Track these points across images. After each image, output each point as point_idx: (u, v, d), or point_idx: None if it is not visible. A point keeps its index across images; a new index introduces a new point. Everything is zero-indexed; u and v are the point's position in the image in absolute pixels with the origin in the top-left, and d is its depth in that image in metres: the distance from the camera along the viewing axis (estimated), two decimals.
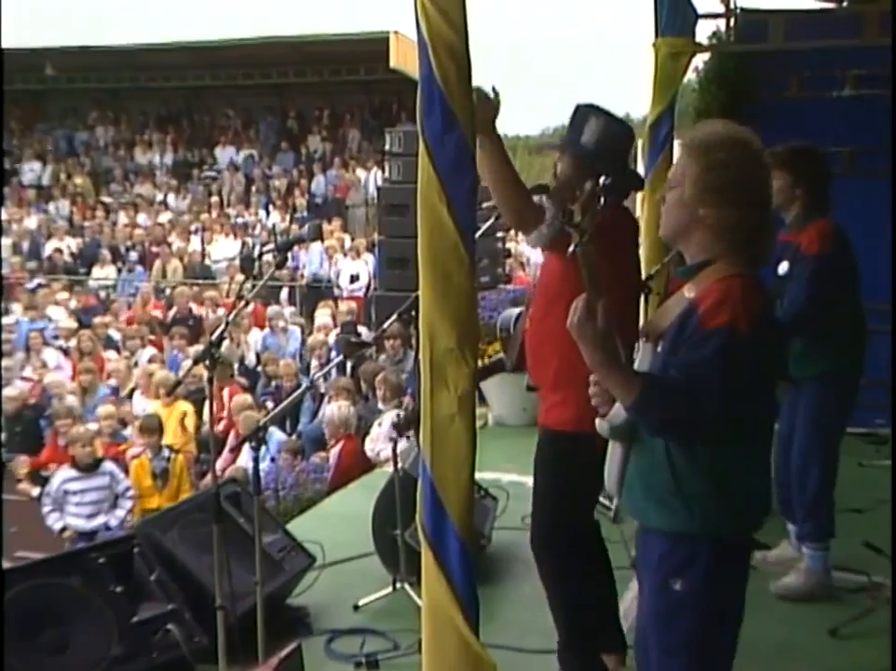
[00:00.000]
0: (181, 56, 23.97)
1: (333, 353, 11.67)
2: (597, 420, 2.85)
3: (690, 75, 7.85)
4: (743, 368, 2.59)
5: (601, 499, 5.37)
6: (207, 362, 3.63)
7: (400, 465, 5.25)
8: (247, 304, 4.08)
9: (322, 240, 16.93)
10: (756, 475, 2.80)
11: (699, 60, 8.87)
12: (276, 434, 9.19)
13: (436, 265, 2.68)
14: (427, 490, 2.75)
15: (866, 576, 5.12)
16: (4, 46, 24.05)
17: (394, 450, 5.25)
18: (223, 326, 3.81)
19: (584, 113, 4.02)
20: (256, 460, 3.96)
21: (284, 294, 17.47)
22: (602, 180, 3.36)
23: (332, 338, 12.26)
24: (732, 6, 8.66)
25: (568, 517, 4.03)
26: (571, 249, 2.59)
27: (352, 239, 18.59)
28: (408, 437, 5.66)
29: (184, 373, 4.50)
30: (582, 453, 3.95)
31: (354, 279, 17.12)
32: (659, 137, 5.89)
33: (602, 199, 3.04)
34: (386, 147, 10.50)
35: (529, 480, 5.70)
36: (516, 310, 8.05)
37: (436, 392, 2.71)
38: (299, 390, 5.01)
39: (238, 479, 5.76)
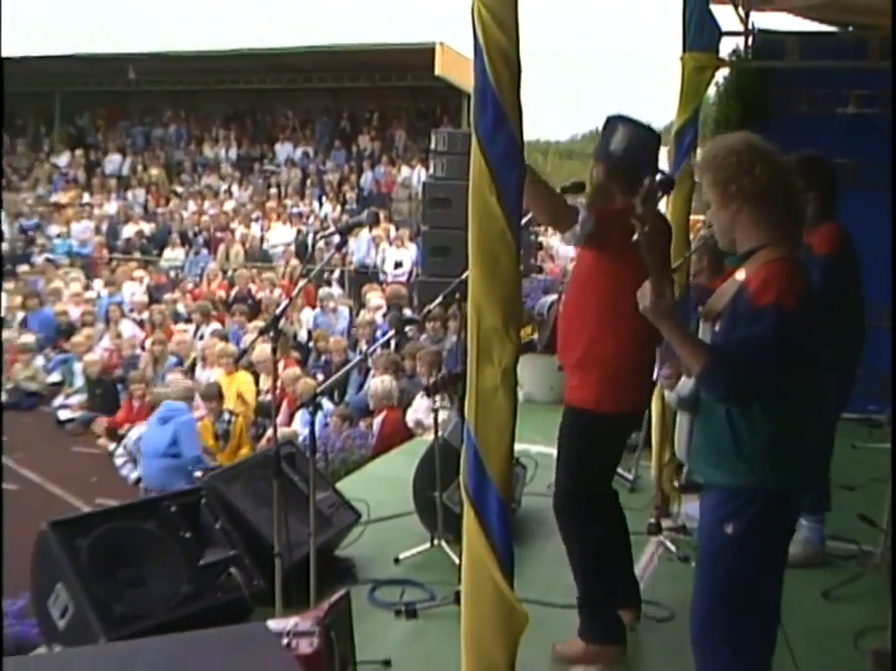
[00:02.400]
0: (246, 61, 23.98)
1: (379, 333, 11.69)
2: (666, 392, 2.98)
3: (710, 89, 7.81)
4: (792, 340, 2.70)
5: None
6: (271, 334, 3.64)
7: (440, 433, 5.25)
8: (309, 281, 4.07)
9: (378, 224, 16.94)
10: (806, 436, 2.87)
11: (720, 75, 8.83)
12: (325, 404, 9.22)
13: (484, 250, 2.67)
14: (471, 455, 2.74)
15: (856, 545, 5.21)
16: (93, 52, 24.31)
17: (435, 419, 5.24)
18: (286, 303, 3.81)
19: (613, 123, 4.03)
20: (313, 423, 3.96)
21: (334, 277, 17.47)
22: (658, 176, 3.37)
23: (378, 318, 12.25)
24: (751, 26, 8.61)
25: (586, 484, 4.04)
26: (634, 237, 2.66)
27: (396, 230, 18.57)
28: (441, 403, 5.64)
29: (249, 344, 4.49)
30: (600, 429, 3.98)
31: (398, 265, 17.13)
32: (684, 144, 5.83)
33: (659, 193, 3.07)
34: (432, 146, 10.49)
35: (555, 451, 5.70)
36: (550, 298, 8.05)
37: (481, 366, 2.70)
38: (354, 360, 5.04)
39: (293, 441, 5.77)
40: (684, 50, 5.94)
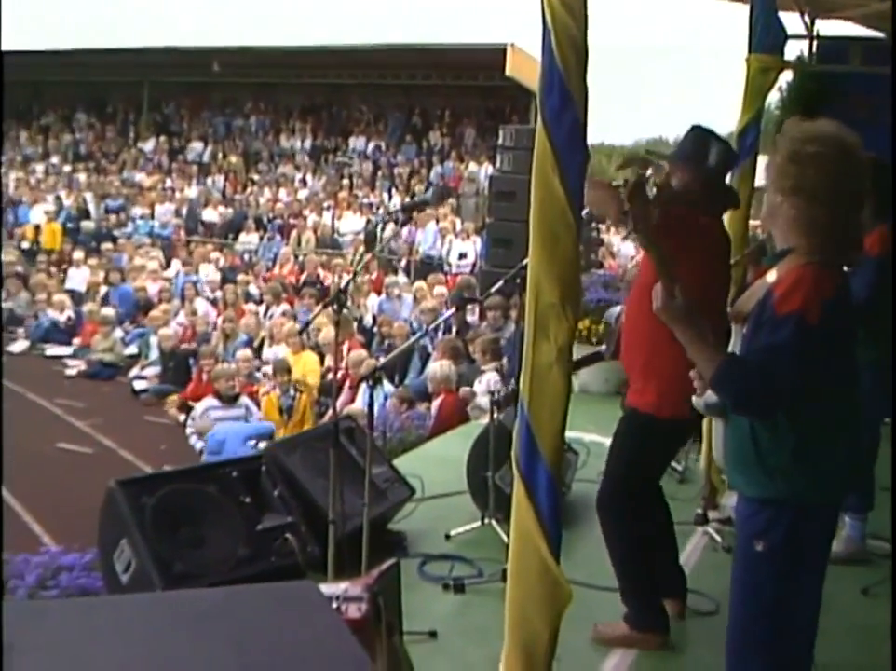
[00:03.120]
0: (323, 57, 24.11)
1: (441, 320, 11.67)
2: (693, 398, 2.81)
3: (773, 94, 7.65)
4: (814, 350, 2.49)
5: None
6: (335, 307, 3.62)
7: (495, 416, 5.21)
8: (373, 257, 4.04)
9: (444, 203, 16.89)
10: (836, 448, 2.66)
11: (783, 80, 8.64)
12: (386, 385, 9.21)
13: (545, 228, 2.62)
14: (524, 430, 2.69)
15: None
16: (183, 45, 24.63)
17: (492, 402, 5.20)
18: (350, 276, 3.79)
19: (703, 136, 3.97)
20: (372, 397, 3.94)
21: (401, 266, 17.50)
22: (647, 174, 3.27)
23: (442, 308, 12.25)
24: (814, 32, 8.42)
25: (632, 487, 3.97)
26: (632, 233, 2.56)
27: (462, 223, 18.53)
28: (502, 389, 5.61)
29: (313, 315, 4.47)
30: (655, 433, 3.91)
31: (462, 257, 17.09)
32: (746, 144, 5.72)
33: (653, 190, 2.96)
34: (499, 142, 10.46)
35: (607, 440, 5.62)
36: (618, 308, 7.96)
37: (538, 343, 2.65)
38: (414, 337, 5.00)
39: (354, 417, 5.76)
40: (749, 52, 5.83)
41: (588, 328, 8.47)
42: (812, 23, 8.28)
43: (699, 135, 3.95)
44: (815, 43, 8.51)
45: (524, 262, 4.38)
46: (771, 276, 2.66)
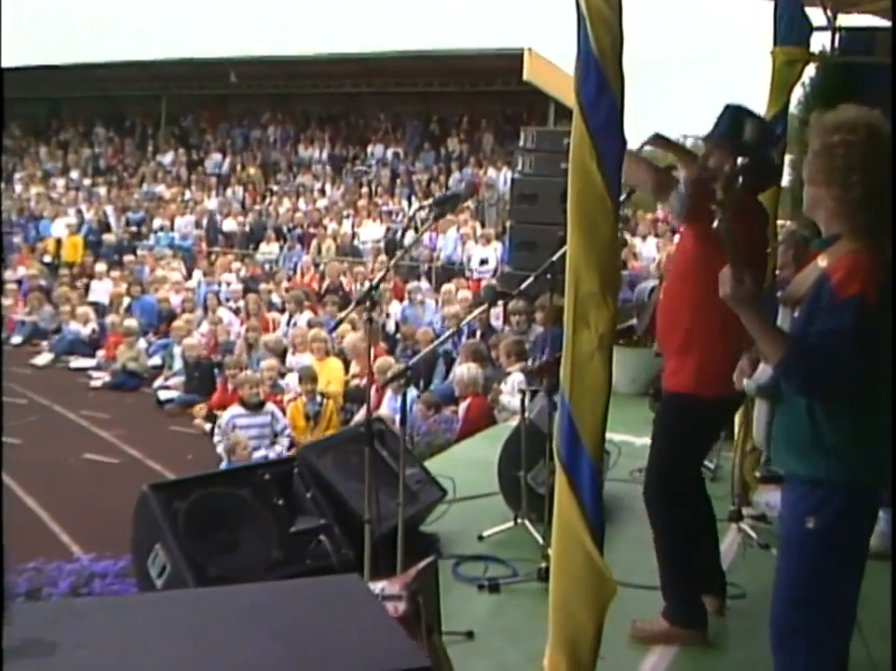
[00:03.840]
0: (340, 65, 24.16)
1: (465, 325, 11.65)
2: (744, 380, 2.83)
3: (797, 90, 7.58)
4: (875, 333, 2.54)
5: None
6: (367, 304, 3.60)
7: (526, 415, 5.18)
8: (407, 251, 4.00)
9: (474, 196, 16.83)
10: (888, 429, 2.68)
11: (806, 75, 8.56)
12: (411, 392, 9.17)
13: (583, 215, 2.59)
14: (565, 419, 2.66)
15: None
16: (200, 56, 24.76)
17: (522, 401, 5.16)
18: (382, 273, 3.77)
19: (737, 114, 3.92)
20: (405, 395, 3.91)
21: (422, 272, 17.50)
22: (740, 161, 3.24)
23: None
24: (837, 27, 8.33)
25: (680, 470, 3.93)
26: (715, 224, 2.55)
27: (482, 228, 18.52)
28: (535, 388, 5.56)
29: (345, 314, 4.45)
30: (698, 413, 3.86)
31: (483, 262, 17.05)
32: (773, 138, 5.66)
33: (740, 179, 2.95)
34: (520, 144, 10.44)
35: (637, 440, 5.60)
36: (650, 283, 7.90)
37: (578, 332, 2.62)
38: (445, 335, 4.97)
39: (383, 419, 5.74)
40: (774, 45, 5.79)
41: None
42: (835, 17, 8.20)
43: (734, 112, 3.90)
44: (838, 36, 8.41)
45: (553, 258, 4.40)
46: (822, 261, 2.69)
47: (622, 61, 2.65)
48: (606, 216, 2.57)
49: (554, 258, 4.29)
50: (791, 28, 5.66)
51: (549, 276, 4.33)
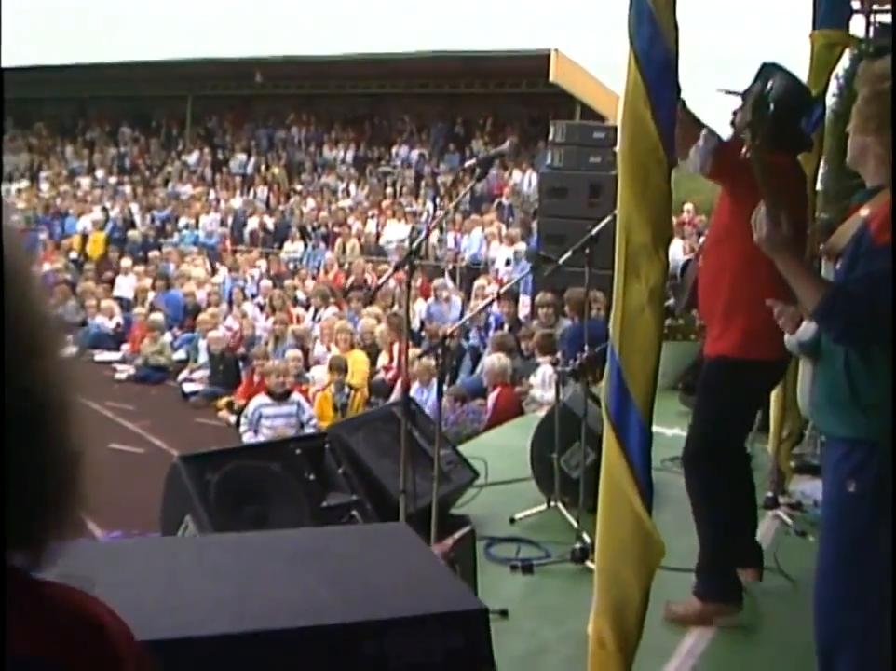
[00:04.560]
0: (365, 66, 24.15)
1: (493, 319, 11.60)
2: (786, 336, 2.76)
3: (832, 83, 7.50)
4: None
5: None
6: (406, 267, 3.55)
7: (561, 398, 5.11)
8: (445, 214, 3.93)
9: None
10: None
11: (840, 67, 8.47)
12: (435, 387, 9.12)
13: (636, 165, 2.52)
14: (615, 376, 2.59)
15: None
16: (226, 56, 24.83)
17: (558, 383, 5.10)
18: (424, 233, 3.72)
19: (769, 70, 3.85)
20: (444, 358, 3.86)
21: (447, 271, 17.45)
22: (770, 83, 3.16)
23: (493, 307, 12.18)
24: (873, 21, 8.27)
25: (724, 437, 3.85)
26: (744, 151, 2.48)
27: (507, 228, 18.47)
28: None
29: (385, 278, 4.40)
30: (742, 376, 3.77)
31: (508, 262, 16.99)
32: (813, 118, 5.57)
33: (770, 107, 2.88)
34: (550, 137, 10.38)
35: (668, 431, 5.52)
36: (683, 258, 7.81)
37: (629, 284, 2.55)
38: (486, 302, 4.90)
39: (414, 400, 5.68)
40: (813, 28, 5.71)
41: None
42: (869, 15, 8.12)
43: (763, 69, 3.85)
44: (872, 29, 8.34)
45: (593, 231, 4.34)
46: (864, 211, 2.65)
47: (676, 14, 2.59)
48: (659, 166, 2.50)
49: (594, 231, 4.23)
50: (830, 10, 5.57)
51: (587, 251, 4.26)
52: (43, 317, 0.84)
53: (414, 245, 3.63)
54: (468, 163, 4.14)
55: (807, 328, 2.70)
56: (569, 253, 4.38)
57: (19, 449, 0.79)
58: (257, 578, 1.77)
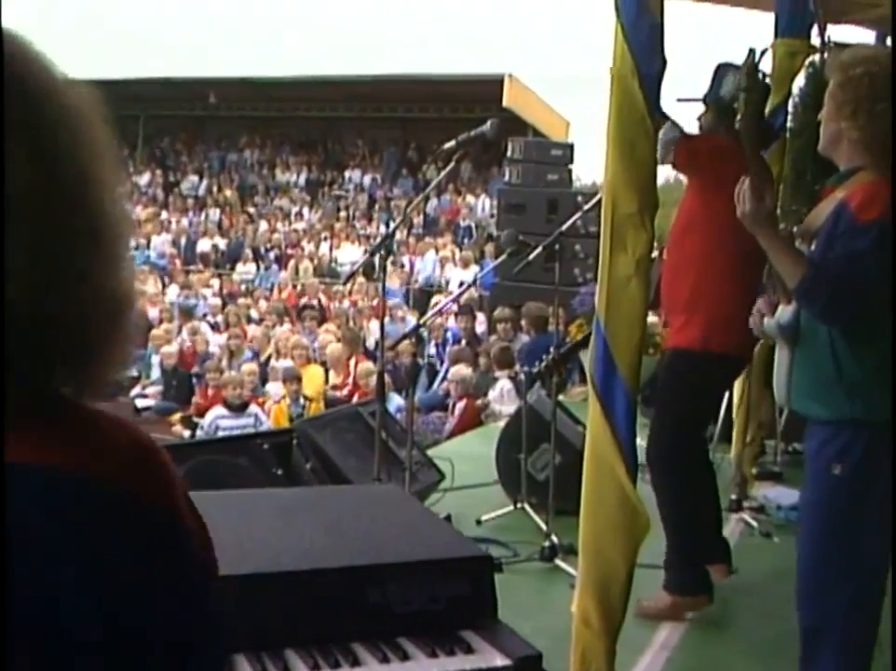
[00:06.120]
0: (318, 89, 24.17)
1: (450, 334, 11.60)
2: (766, 320, 2.74)
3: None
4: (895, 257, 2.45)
5: None
6: (382, 253, 3.51)
7: (527, 401, 5.11)
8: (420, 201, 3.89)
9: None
10: None
11: (796, 86, 8.62)
12: (395, 398, 9.05)
13: (622, 135, 2.52)
14: (600, 347, 2.57)
15: None
16: (178, 76, 24.70)
17: (525, 383, 5.10)
18: (397, 222, 3.69)
19: (723, 70, 3.91)
20: (416, 355, 3.82)
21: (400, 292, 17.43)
22: (760, 50, 3.21)
23: (450, 322, 12.22)
24: (827, 40, 8.41)
25: (685, 433, 3.86)
26: (737, 119, 2.50)
27: (461, 251, 18.55)
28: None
29: (361, 263, 4.36)
30: (703, 370, 3.79)
31: (462, 284, 17.02)
32: (775, 126, 5.66)
33: (763, 77, 2.91)
34: (508, 154, 10.44)
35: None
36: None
37: (614, 255, 2.54)
38: (445, 301, 4.87)
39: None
40: (775, 37, 5.82)
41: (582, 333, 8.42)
42: (823, 29, 8.26)
43: (717, 69, 3.92)
44: (828, 50, 8.49)
45: (563, 227, 4.35)
46: (840, 192, 2.67)
47: None
48: (646, 137, 2.51)
49: (563, 228, 4.24)
50: (792, 20, 5.68)
51: (557, 246, 4.27)
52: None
53: (391, 230, 3.60)
54: (447, 145, 4.13)
55: (786, 311, 2.69)
56: (539, 248, 4.38)
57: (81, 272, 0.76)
58: (251, 528, 1.71)
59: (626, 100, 2.48)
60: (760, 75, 3.14)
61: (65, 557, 0.73)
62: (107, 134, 0.83)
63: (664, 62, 2.55)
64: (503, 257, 4.66)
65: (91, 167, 0.79)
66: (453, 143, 3.87)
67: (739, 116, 2.47)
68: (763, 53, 4.15)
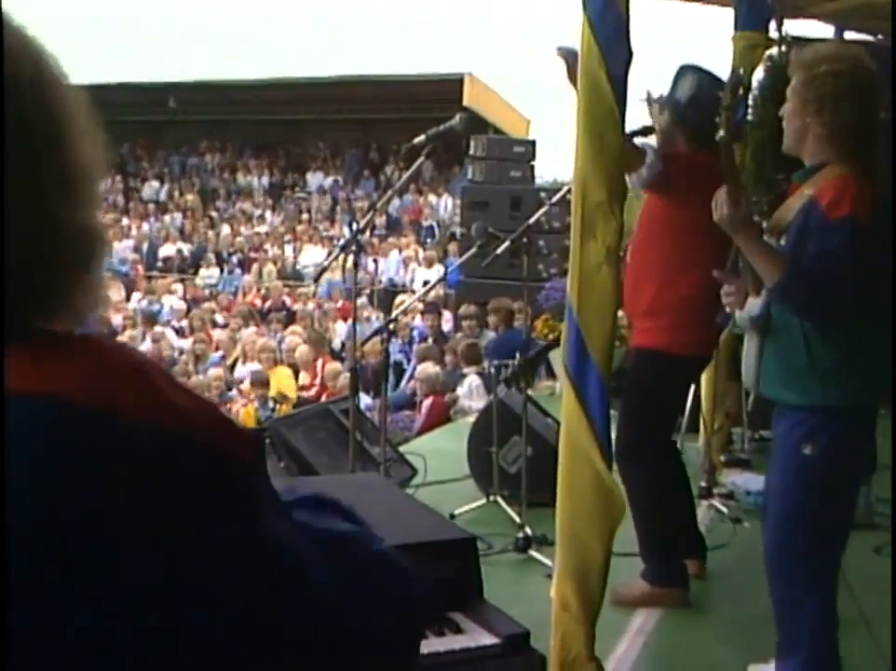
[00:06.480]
0: (278, 92, 24.08)
1: (416, 333, 11.62)
2: (737, 313, 2.81)
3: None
4: (869, 252, 2.55)
5: None
6: (353, 248, 3.52)
7: (497, 395, 5.13)
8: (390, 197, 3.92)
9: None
10: (881, 353, 2.69)
11: (755, 78, 8.72)
12: (364, 398, 9.06)
13: (591, 125, 2.56)
14: (573, 334, 2.61)
15: None
16: (137, 81, 24.50)
17: (495, 378, 5.12)
18: (369, 215, 3.71)
19: (682, 71, 3.97)
20: (388, 349, 3.84)
21: (365, 292, 17.41)
22: (741, 72, 3.26)
23: (416, 321, 12.23)
24: (784, 34, 8.52)
25: (652, 430, 3.90)
26: (719, 135, 2.58)
27: (424, 251, 18.58)
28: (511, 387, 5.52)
29: (332, 258, 4.37)
30: (669, 370, 3.85)
31: (426, 284, 17.04)
32: (736, 119, 5.75)
33: (740, 93, 2.99)
34: (471, 152, 10.47)
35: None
36: None
37: (585, 243, 2.58)
38: (414, 297, 4.90)
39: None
40: (735, 30, 5.90)
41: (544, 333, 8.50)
42: (781, 24, 8.37)
43: (679, 72, 3.97)
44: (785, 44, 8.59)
45: (531, 220, 4.39)
46: (808, 189, 2.72)
47: None
48: (614, 127, 2.55)
49: (531, 221, 4.28)
50: (751, 13, 5.77)
51: (525, 240, 4.31)
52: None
53: (361, 225, 3.61)
54: (416, 140, 4.15)
55: (756, 303, 2.75)
56: (508, 242, 4.42)
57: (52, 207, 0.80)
58: None
59: (594, 91, 2.52)
60: (741, 92, 3.19)
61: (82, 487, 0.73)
62: (79, 94, 0.88)
63: (630, 55, 2.59)
64: (473, 250, 4.67)
65: (68, 120, 0.84)
66: (422, 137, 3.90)
67: (719, 133, 2.53)
68: (751, 76, 4.19)
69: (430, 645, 1.57)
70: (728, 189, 2.59)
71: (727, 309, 2.92)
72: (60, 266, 0.81)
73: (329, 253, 19.16)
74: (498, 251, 4.46)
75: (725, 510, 5.19)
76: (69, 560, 0.71)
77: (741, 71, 3.56)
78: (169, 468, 0.76)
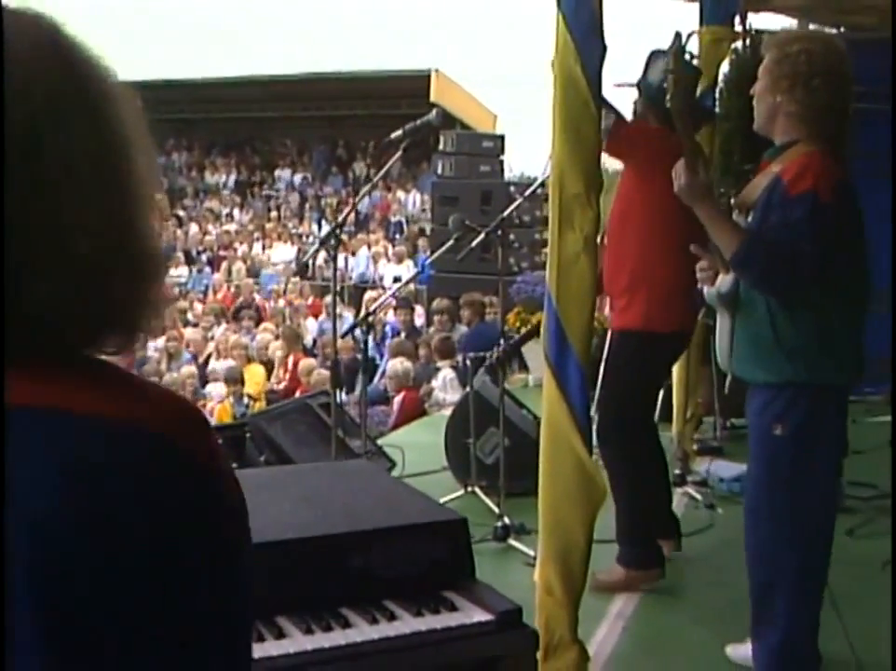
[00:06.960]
0: (245, 90, 23.96)
1: (389, 328, 11.64)
2: (705, 289, 2.84)
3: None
4: (829, 228, 2.57)
5: None
6: (331, 242, 3.55)
7: (473, 387, 5.18)
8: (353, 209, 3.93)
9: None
10: (851, 332, 2.75)
11: (721, 71, 8.81)
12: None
13: (567, 118, 2.61)
14: (552, 323, 2.66)
15: (874, 488, 5.21)
16: None
17: (473, 371, 5.17)
18: (347, 211, 3.74)
19: (654, 56, 4.04)
20: (366, 342, 3.87)
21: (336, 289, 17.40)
22: (686, 34, 3.31)
23: (389, 317, 12.25)
24: (748, 27, 8.63)
25: (633, 410, 3.96)
26: (667, 98, 2.60)
27: (394, 247, 18.60)
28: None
29: (313, 251, 4.38)
30: (648, 348, 3.91)
31: (397, 280, 17.05)
32: (684, 86, 5.82)
33: (691, 58, 2.99)
34: (440, 147, 10.51)
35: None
36: None
37: (563, 233, 2.62)
38: (391, 290, 4.92)
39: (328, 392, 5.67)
40: (700, 25, 5.98)
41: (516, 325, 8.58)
42: (745, 17, 8.47)
43: (651, 56, 4.05)
44: (749, 37, 8.68)
45: (504, 214, 4.45)
46: (776, 166, 2.75)
47: None
48: (590, 120, 2.60)
49: (505, 214, 4.33)
50: (716, 7, 5.84)
51: (499, 233, 4.35)
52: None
53: (340, 219, 3.64)
54: (394, 134, 4.18)
55: (725, 280, 2.78)
56: (482, 235, 4.46)
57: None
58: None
59: (569, 85, 2.56)
60: (688, 57, 3.24)
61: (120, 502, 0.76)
62: (137, 105, 0.91)
63: (604, 48, 2.64)
64: (450, 243, 4.70)
65: (134, 133, 0.87)
66: (399, 132, 3.92)
67: (668, 97, 2.56)
68: (689, 37, 4.28)
69: (427, 622, 1.62)
70: (686, 158, 2.60)
71: (698, 285, 2.94)
72: (133, 280, 0.82)
73: (299, 251, 19.19)
74: (473, 244, 4.50)
75: (699, 497, 5.27)
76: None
77: (683, 36, 3.59)
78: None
